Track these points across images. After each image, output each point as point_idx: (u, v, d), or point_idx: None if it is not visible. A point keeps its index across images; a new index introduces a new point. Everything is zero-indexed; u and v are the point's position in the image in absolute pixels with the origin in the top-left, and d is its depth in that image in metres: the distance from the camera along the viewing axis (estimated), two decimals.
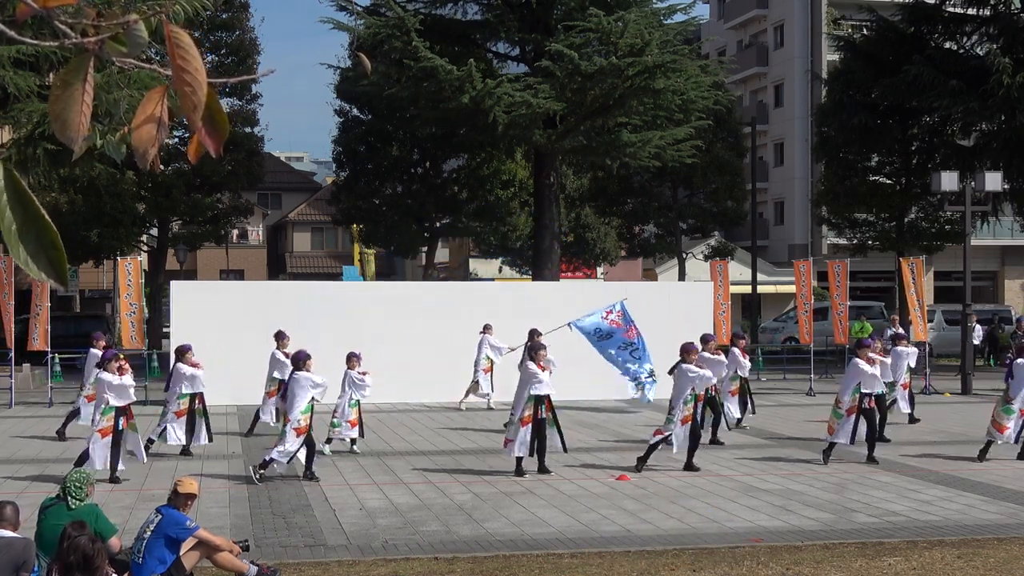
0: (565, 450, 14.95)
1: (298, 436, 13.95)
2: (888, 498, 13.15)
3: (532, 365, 14.77)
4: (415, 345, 24.59)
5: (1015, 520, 11.93)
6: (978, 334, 30.15)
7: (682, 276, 43.82)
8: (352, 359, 16.86)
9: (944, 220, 38.78)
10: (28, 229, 2.05)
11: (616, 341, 16.77)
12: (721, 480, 14.39)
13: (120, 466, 14.00)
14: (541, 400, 14.70)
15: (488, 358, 22.65)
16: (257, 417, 19.10)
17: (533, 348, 15.34)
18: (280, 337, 19.04)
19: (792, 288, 36.97)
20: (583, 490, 13.68)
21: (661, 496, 13.29)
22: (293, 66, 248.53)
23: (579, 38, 29.26)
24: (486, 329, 22.94)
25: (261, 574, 9.24)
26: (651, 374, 16.76)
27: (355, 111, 41.10)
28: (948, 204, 31.73)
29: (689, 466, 15.06)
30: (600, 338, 16.83)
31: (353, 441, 16.93)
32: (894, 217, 39.40)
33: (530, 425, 14.65)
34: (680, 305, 25.64)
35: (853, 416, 15.55)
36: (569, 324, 17.00)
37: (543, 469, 14.78)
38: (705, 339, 17.69)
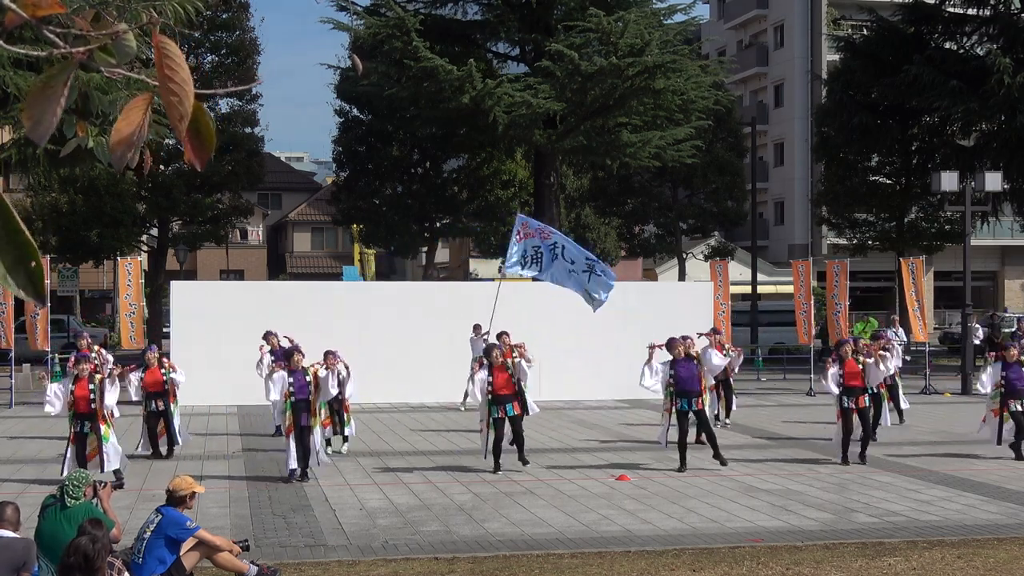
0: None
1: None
2: (888, 498, 13.15)
3: (483, 372, 15.03)
4: (415, 345, 24.59)
5: (1015, 520, 11.93)
6: (979, 334, 30.16)
7: (682, 276, 43.85)
8: (328, 357, 16.78)
9: (944, 220, 38.80)
10: (7, 243, 2.03)
11: (551, 259, 17.18)
12: (721, 480, 14.39)
13: (116, 465, 14.01)
14: (494, 402, 14.89)
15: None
16: None
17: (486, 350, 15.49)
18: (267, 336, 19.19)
19: (792, 288, 37.02)
20: (583, 490, 13.68)
21: (661, 496, 13.28)
22: (293, 66, 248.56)
23: (579, 38, 29.27)
24: (476, 330, 22.82)
25: (261, 574, 9.24)
26: (592, 270, 17.04)
27: (355, 111, 41.11)
28: (948, 204, 31.79)
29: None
30: (536, 263, 17.16)
31: (329, 442, 16.79)
32: (894, 217, 39.42)
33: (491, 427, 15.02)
34: (680, 305, 25.63)
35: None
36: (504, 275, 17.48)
37: (521, 460, 15.06)
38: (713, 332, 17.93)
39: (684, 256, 44.93)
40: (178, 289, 25.20)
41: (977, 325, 30.18)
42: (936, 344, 38.48)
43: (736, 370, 20.74)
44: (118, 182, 34.87)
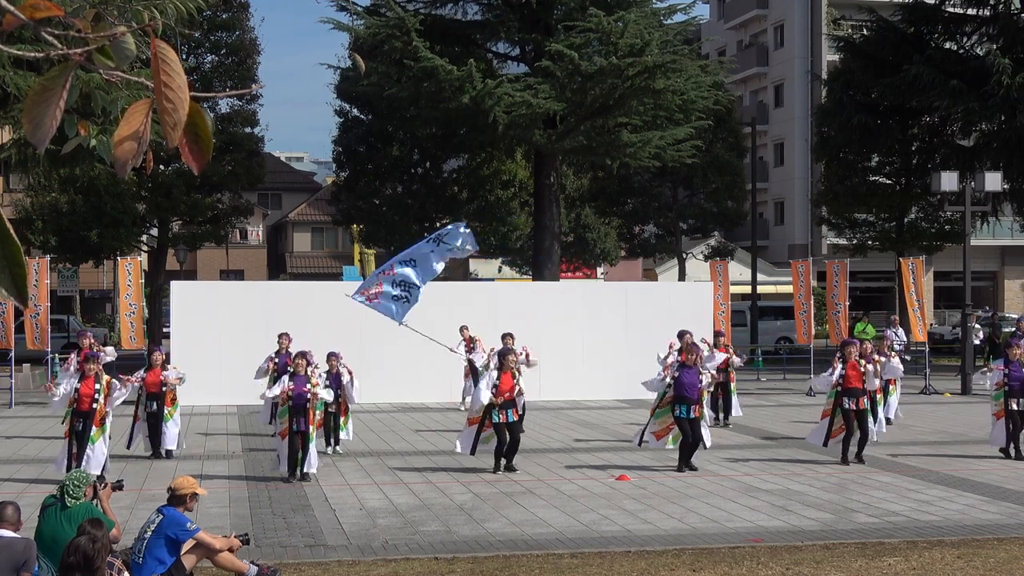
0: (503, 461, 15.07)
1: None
2: (888, 498, 13.15)
3: (493, 372, 14.95)
4: (415, 345, 24.55)
5: (1015, 520, 11.93)
6: (979, 335, 30.18)
7: (682, 276, 43.84)
8: (331, 359, 16.76)
9: (944, 220, 38.81)
10: None
11: (415, 270, 17.29)
12: (721, 480, 14.39)
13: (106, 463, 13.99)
14: (498, 405, 14.81)
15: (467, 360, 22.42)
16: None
17: (502, 353, 15.40)
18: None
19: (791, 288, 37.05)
20: (583, 490, 13.68)
21: (661, 496, 13.29)
22: (293, 66, 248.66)
23: (579, 38, 29.27)
24: (462, 331, 22.76)
25: (261, 574, 9.24)
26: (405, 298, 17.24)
27: (355, 111, 41.06)
28: (948, 204, 31.76)
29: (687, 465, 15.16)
30: (409, 288, 17.29)
31: (328, 442, 16.71)
32: (894, 217, 39.43)
33: (477, 426, 14.97)
34: (680, 305, 25.63)
35: (827, 419, 15.66)
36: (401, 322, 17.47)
37: (508, 467, 15.01)
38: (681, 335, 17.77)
39: (684, 256, 44.92)
40: (178, 289, 25.20)
41: (978, 326, 30.19)
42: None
43: (736, 363, 20.79)
44: (118, 182, 34.82)
